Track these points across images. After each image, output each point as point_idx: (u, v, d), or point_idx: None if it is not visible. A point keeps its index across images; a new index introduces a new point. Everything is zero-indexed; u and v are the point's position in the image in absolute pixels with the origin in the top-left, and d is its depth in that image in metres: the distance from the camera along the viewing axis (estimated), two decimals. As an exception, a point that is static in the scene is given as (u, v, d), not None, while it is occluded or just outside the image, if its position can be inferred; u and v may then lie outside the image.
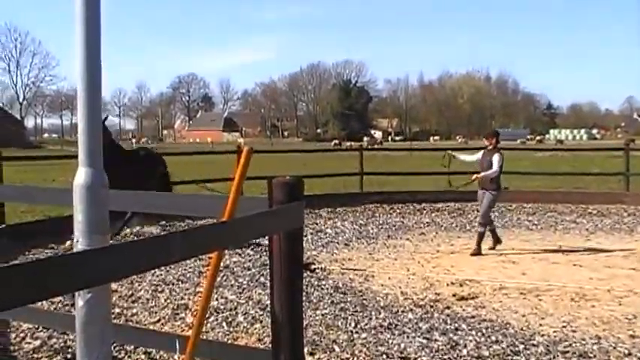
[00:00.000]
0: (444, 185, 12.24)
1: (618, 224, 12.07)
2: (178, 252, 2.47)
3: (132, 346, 4.93)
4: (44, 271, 1.87)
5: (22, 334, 5.38)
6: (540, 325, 5.80)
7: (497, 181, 9.34)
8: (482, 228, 9.25)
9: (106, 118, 9.20)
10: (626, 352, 5.03)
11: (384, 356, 4.94)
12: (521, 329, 5.66)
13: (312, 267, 8.11)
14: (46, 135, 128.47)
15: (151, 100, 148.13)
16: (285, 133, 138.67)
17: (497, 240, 9.46)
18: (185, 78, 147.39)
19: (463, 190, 11.29)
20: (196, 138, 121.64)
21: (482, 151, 9.64)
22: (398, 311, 6.19)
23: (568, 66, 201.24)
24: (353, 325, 5.72)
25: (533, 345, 5.18)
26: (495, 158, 9.18)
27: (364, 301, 6.56)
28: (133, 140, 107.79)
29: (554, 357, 4.93)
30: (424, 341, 5.26)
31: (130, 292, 6.83)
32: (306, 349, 4.17)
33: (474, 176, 9.43)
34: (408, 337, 5.38)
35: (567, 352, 5.03)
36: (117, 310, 6.10)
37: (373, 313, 6.12)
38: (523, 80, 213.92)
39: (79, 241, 2.66)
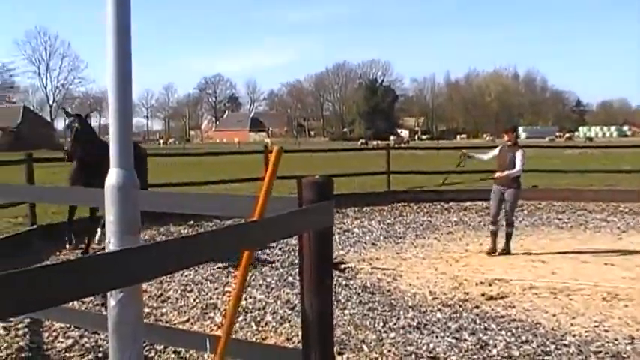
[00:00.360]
0: (468, 183, 12.15)
1: (651, 222, 11.85)
2: (208, 252, 2.48)
3: (161, 346, 4.99)
4: (78, 272, 1.90)
5: (54, 333, 5.48)
6: (571, 324, 5.73)
7: (519, 179, 9.08)
8: (510, 227, 9.11)
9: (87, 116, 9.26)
10: (661, 352, 4.95)
11: (413, 356, 4.92)
12: (552, 329, 5.59)
13: (342, 266, 8.11)
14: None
15: (178, 101, 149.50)
16: (312, 133, 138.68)
17: (494, 247, 9.05)
18: (211, 79, 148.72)
19: (485, 187, 11.01)
20: (223, 138, 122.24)
21: (498, 147, 9.41)
22: (426, 311, 6.16)
23: (597, 62, 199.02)
24: (381, 324, 5.71)
25: (565, 345, 5.12)
26: (519, 156, 8.88)
27: (392, 301, 6.55)
28: (161, 141, 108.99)
29: (586, 357, 4.86)
30: (453, 341, 5.23)
31: (160, 292, 6.90)
32: (334, 349, 4.17)
33: (497, 175, 9.04)
34: (436, 336, 5.35)
35: (600, 352, 4.96)
36: (146, 309, 6.16)
37: (402, 312, 6.10)
38: (551, 77, 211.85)
39: (110, 242, 2.69)
